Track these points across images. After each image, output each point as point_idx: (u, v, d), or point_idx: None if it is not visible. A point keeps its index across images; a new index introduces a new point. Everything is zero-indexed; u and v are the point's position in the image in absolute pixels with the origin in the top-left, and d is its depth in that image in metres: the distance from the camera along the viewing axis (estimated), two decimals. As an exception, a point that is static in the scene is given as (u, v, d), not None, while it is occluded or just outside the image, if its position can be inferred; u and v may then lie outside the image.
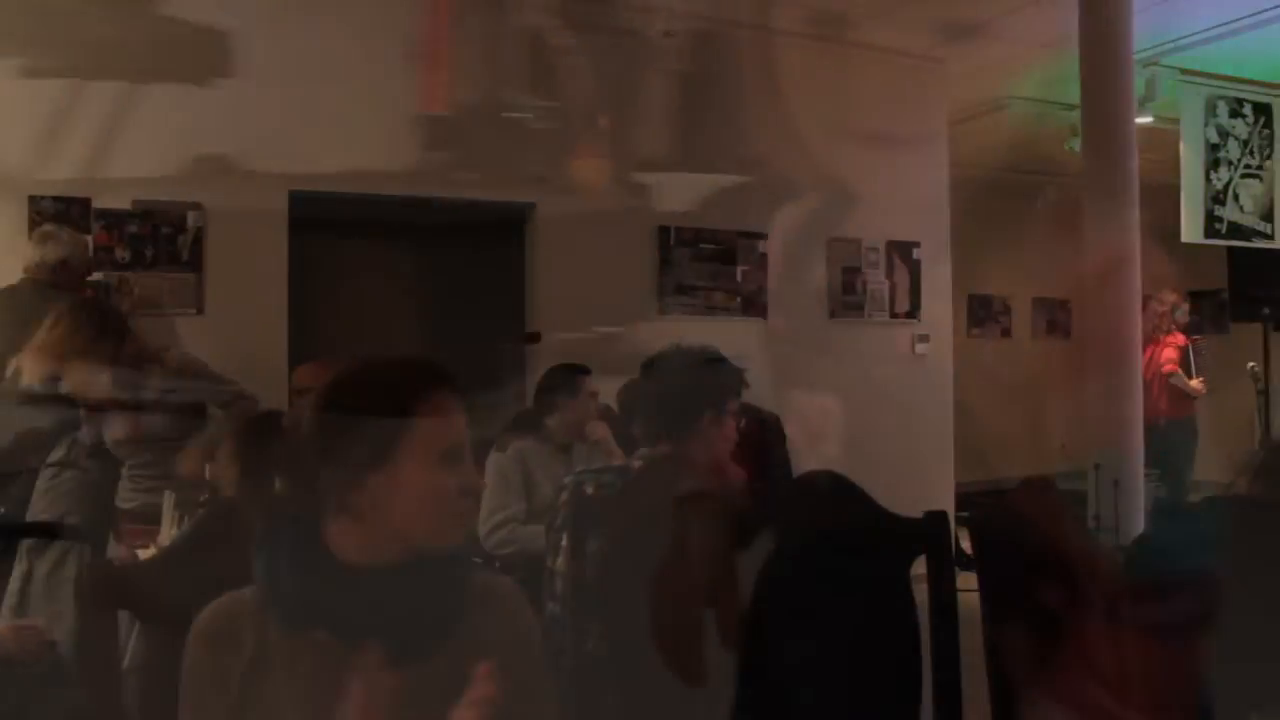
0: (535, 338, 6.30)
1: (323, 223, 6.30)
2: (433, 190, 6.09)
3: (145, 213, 5.39)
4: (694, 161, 6.78)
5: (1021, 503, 1.98)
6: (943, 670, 2.19)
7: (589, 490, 2.66)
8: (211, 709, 1.44)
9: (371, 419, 1.46)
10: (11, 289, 4.45)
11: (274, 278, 5.66)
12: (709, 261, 6.78)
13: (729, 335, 6.46)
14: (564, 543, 2.65)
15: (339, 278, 6.72)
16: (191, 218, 5.49)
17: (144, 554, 3.23)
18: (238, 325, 5.40)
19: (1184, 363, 7.93)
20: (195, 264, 5.48)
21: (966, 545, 2.16)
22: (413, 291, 6.91)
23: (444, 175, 6.06)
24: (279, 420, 2.81)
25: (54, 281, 4.42)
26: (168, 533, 3.31)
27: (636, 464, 2.75)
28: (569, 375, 4.40)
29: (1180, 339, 7.97)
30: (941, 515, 2.26)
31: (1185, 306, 8.07)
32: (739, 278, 6.86)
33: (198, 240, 5.49)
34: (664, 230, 6.65)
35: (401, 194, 6.03)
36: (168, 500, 3.43)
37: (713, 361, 2.83)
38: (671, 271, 6.66)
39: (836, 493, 2.19)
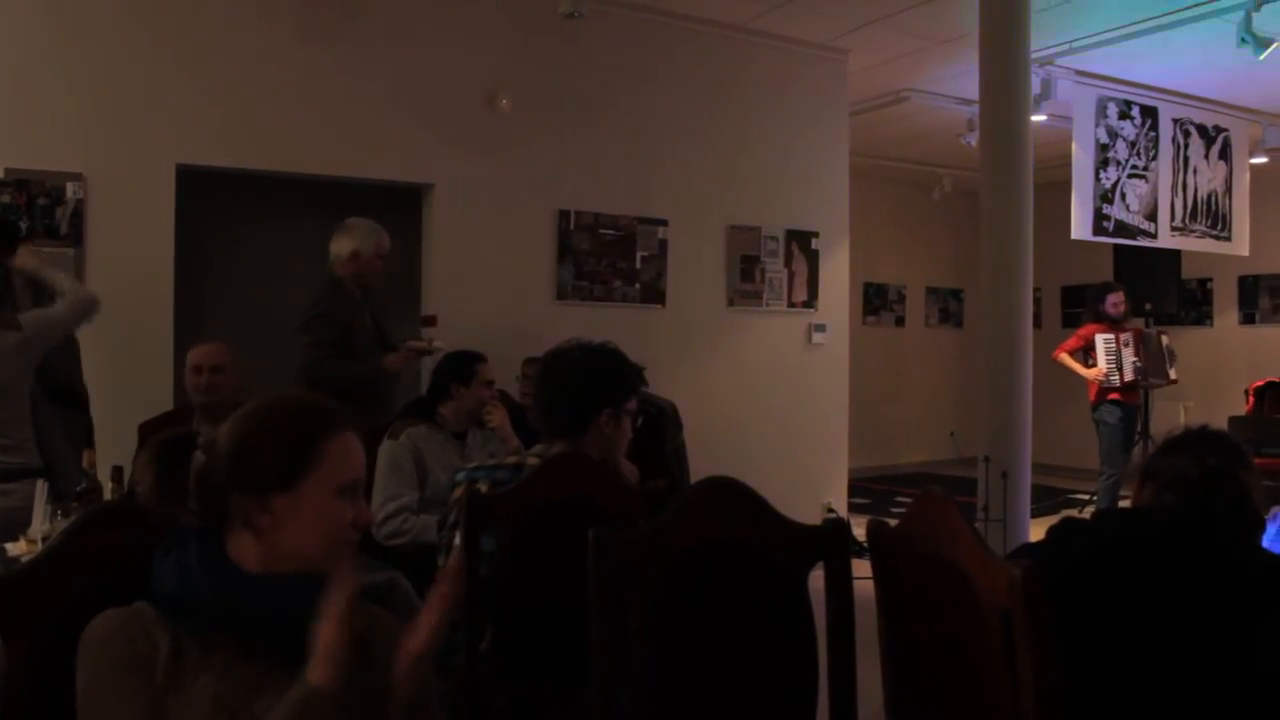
0: (431, 321, 6.20)
1: (212, 198, 6.13)
2: (327, 169, 5.93)
3: (19, 182, 5.15)
4: (594, 146, 6.72)
5: (918, 514, 1.98)
6: (838, 670, 2.19)
7: (482, 489, 2.61)
8: (128, 711, 1.48)
9: (283, 448, 1.60)
10: None
11: (160, 254, 5.46)
12: (608, 247, 6.74)
13: (627, 323, 6.45)
14: (456, 542, 2.60)
15: (228, 256, 6.54)
16: (71, 189, 5.25)
17: (12, 547, 3.08)
18: (121, 302, 5.21)
19: (1088, 350, 8.08)
20: (75, 237, 5.26)
21: (860, 533, 2.16)
22: (306, 273, 6.75)
23: (343, 153, 5.91)
24: (195, 438, 2.86)
25: None
26: (39, 525, 3.17)
27: (531, 460, 2.71)
28: (464, 362, 4.32)
29: (1091, 328, 8.12)
30: (839, 522, 2.26)
31: (1110, 298, 8.22)
32: (638, 264, 6.83)
33: (78, 213, 5.26)
34: (563, 214, 6.58)
35: (294, 171, 5.88)
36: (40, 490, 3.28)
37: (612, 359, 2.81)
38: (570, 256, 6.60)
39: (734, 501, 2.17)
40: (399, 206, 6.43)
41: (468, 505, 2.52)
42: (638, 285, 6.83)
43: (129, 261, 5.37)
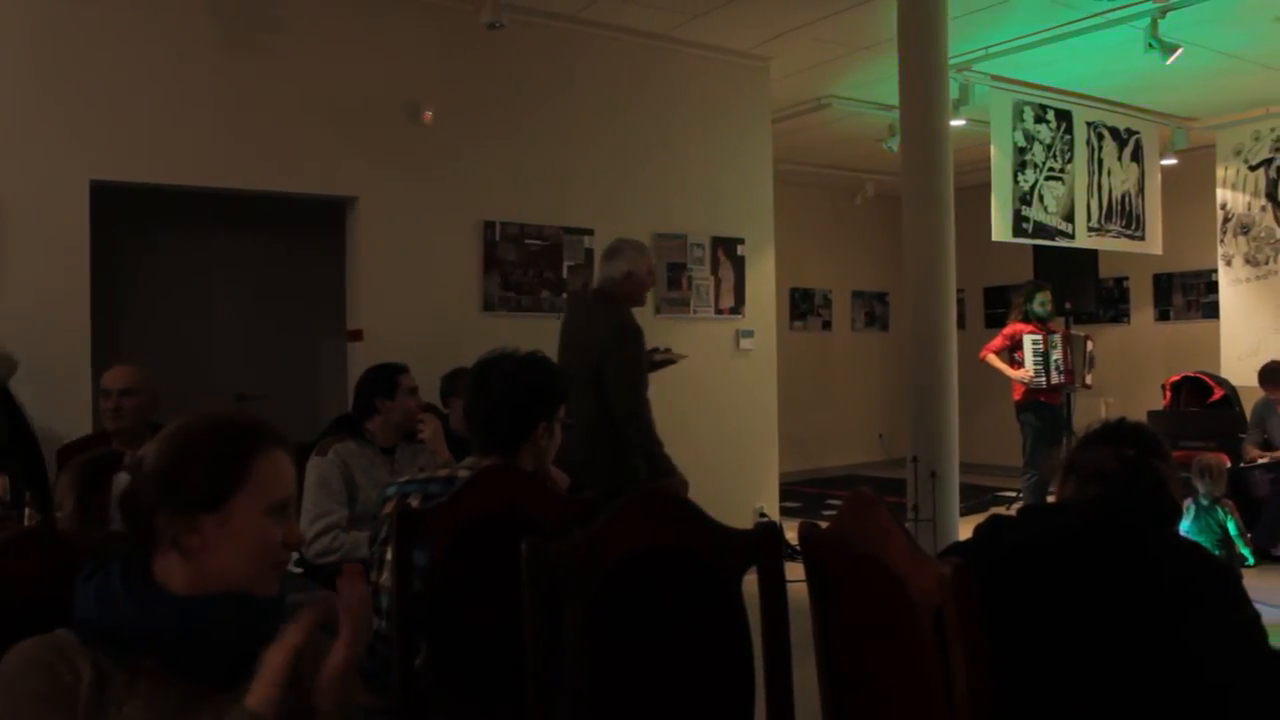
0: (357, 335, 6.14)
1: (129, 215, 6.02)
2: (248, 183, 5.85)
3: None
4: (519, 156, 6.70)
5: (849, 515, 1.99)
6: (774, 674, 2.19)
7: (414, 503, 2.58)
8: None
9: (211, 467, 1.57)
10: None
11: (75, 272, 5.34)
12: (535, 257, 6.72)
13: (556, 333, 6.42)
14: (388, 557, 2.56)
15: (148, 274, 6.42)
16: (-19, 207, 5.13)
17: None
18: (36, 323, 5.09)
19: (1013, 349, 8.19)
20: (-13, 257, 5.13)
21: (792, 536, 2.16)
22: (229, 289, 6.65)
23: (263, 167, 5.83)
24: (119, 458, 2.81)
25: None
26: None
27: (463, 473, 2.68)
28: (385, 374, 4.27)
29: (1018, 328, 8.22)
30: (771, 526, 2.26)
31: (1039, 298, 8.32)
32: (565, 274, 6.82)
33: (-10, 231, 5.13)
34: (489, 225, 6.55)
35: (214, 185, 5.78)
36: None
37: (544, 368, 2.79)
38: (496, 267, 6.56)
39: (666, 507, 2.17)
40: (322, 220, 6.37)
41: (399, 520, 2.49)
42: (565, 295, 6.81)
43: (43, 280, 5.25)
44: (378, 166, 6.19)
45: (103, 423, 4.31)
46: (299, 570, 3.97)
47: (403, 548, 2.49)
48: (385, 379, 4.22)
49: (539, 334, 5.80)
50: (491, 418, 2.72)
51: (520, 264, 6.65)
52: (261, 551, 1.61)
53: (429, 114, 6.29)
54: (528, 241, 6.69)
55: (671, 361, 5.13)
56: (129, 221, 6.07)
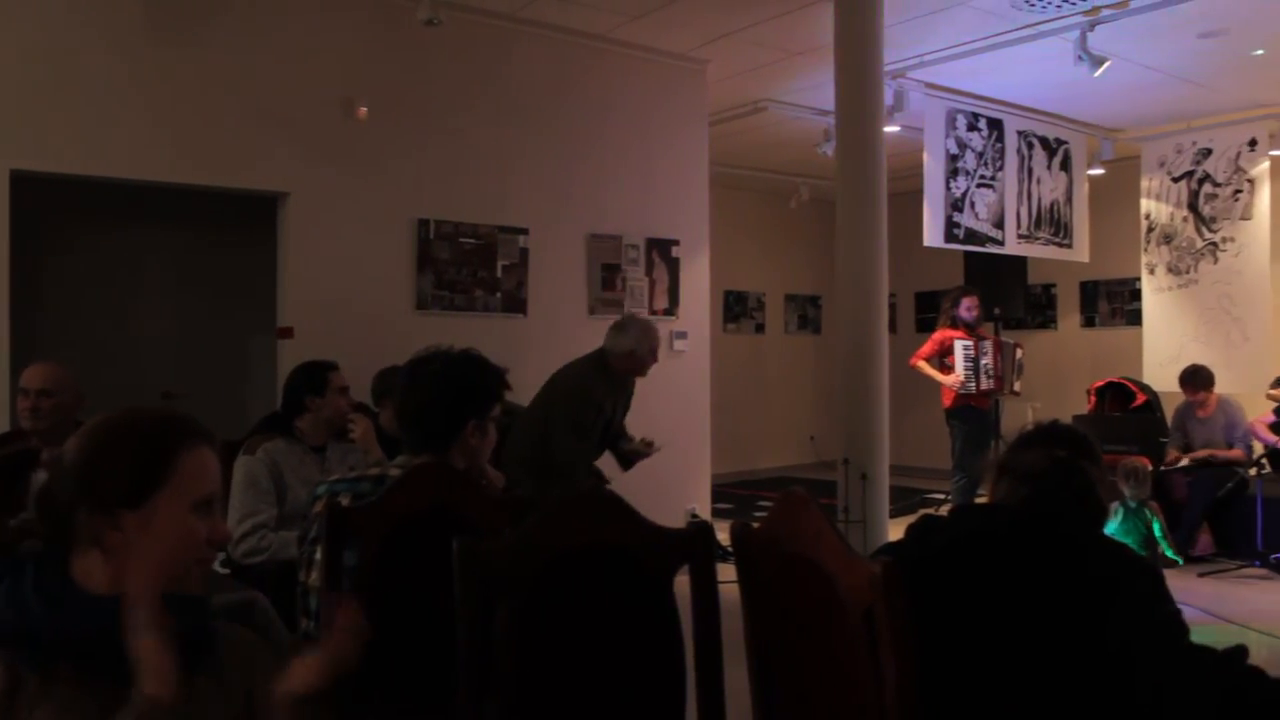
0: (287, 332, 6.05)
1: (52, 207, 5.89)
2: (176, 177, 5.75)
3: None
4: (454, 154, 6.65)
5: (781, 515, 2.00)
6: (705, 672, 2.19)
7: (344, 502, 2.54)
8: None
9: (133, 463, 1.53)
10: None
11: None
12: (469, 256, 6.67)
13: (489, 332, 6.40)
14: (317, 556, 2.53)
15: (70, 269, 6.28)
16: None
17: None
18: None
19: (943, 355, 8.26)
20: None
21: (724, 538, 2.17)
22: (156, 285, 6.53)
23: (191, 161, 5.73)
24: (36, 455, 2.76)
25: None
26: None
27: (394, 472, 2.64)
28: (315, 371, 4.21)
29: (948, 334, 8.28)
30: (703, 525, 2.27)
31: (965, 302, 8.38)
32: (500, 273, 6.79)
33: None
34: (423, 223, 6.50)
35: (140, 178, 5.67)
36: None
37: (476, 366, 2.76)
38: (430, 266, 6.51)
39: (598, 506, 2.16)
40: (253, 215, 6.27)
41: (328, 519, 2.46)
42: (499, 294, 6.78)
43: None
44: (310, 162, 6.12)
45: (19, 422, 4.20)
46: (225, 571, 3.91)
47: (332, 547, 2.46)
48: (315, 376, 4.17)
49: (472, 333, 5.78)
50: (422, 415, 2.70)
51: (454, 263, 6.61)
52: (187, 548, 1.56)
53: (363, 110, 6.23)
54: (462, 240, 6.65)
55: (645, 455, 5.47)
56: (51, 214, 5.93)
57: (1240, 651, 1.96)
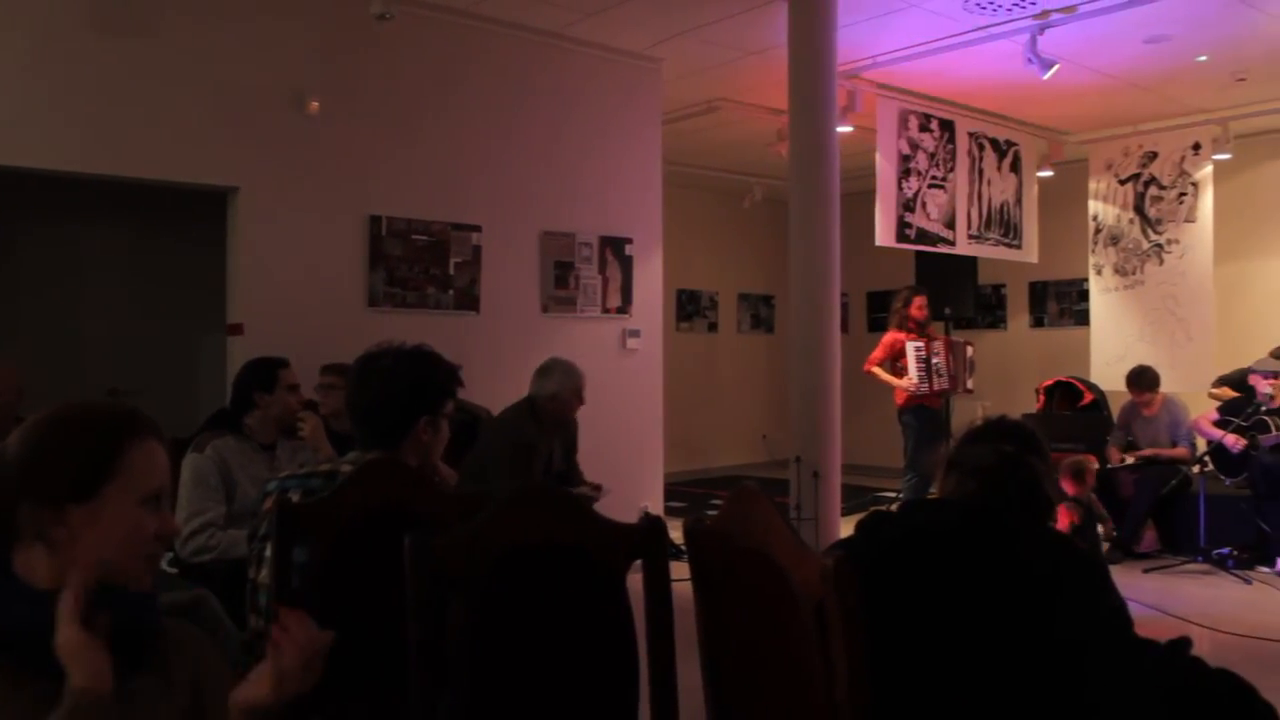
0: (237, 329, 5.99)
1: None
2: (122, 170, 5.66)
3: None
4: (406, 150, 6.61)
5: (734, 510, 2.01)
6: (658, 667, 2.20)
7: (294, 498, 2.52)
8: None
9: (81, 456, 1.52)
10: None
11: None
12: (421, 253, 6.63)
13: (441, 330, 6.37)
14: (267, 554, 2.50)
15: (14, 264, 6.19)
16: None
17: None
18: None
19: (895, 359, 8.30)
20: None
21: (677, 536, 2.18)
22: (103, 281, 6.45)
23: (138, 154, 5.65)
24: None
25: None
26: None
27: (345, 468, 2.62)
28: (265, 368, 4.17)
29: (898, 336, 8.33)
30: (656, 520, 2.27)
31: (916, 301, 8.42)
32: (452, 270, 6.75)
33: None
34: (375, 220, 6.45)
35: (85, 171, 5.58)
36: None
37: (428, 362, 2.74)
38: (382, 262, 6.46)
39: (551, 502, 2.16)
40: (202, 210, 6.20)
41: (279, 515, 2.43)
42: (451, 292, 6.75)
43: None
44: (260, 156, 6.05)
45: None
46: (173, 570, 3.87)
47: (282, 544, 2.43)
48: (264, 373, 4.14)
49: (425, 331, 5.73)
50: (372, 411, 2.67)
51: (406, 259, 6.57)
52: (134, 543, 1.54)
53: (315, 104, 6.17)
54: (415, 237, 6.61)
55: (594, 499, 5.52)
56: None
57: (1183, 643, 2.01)
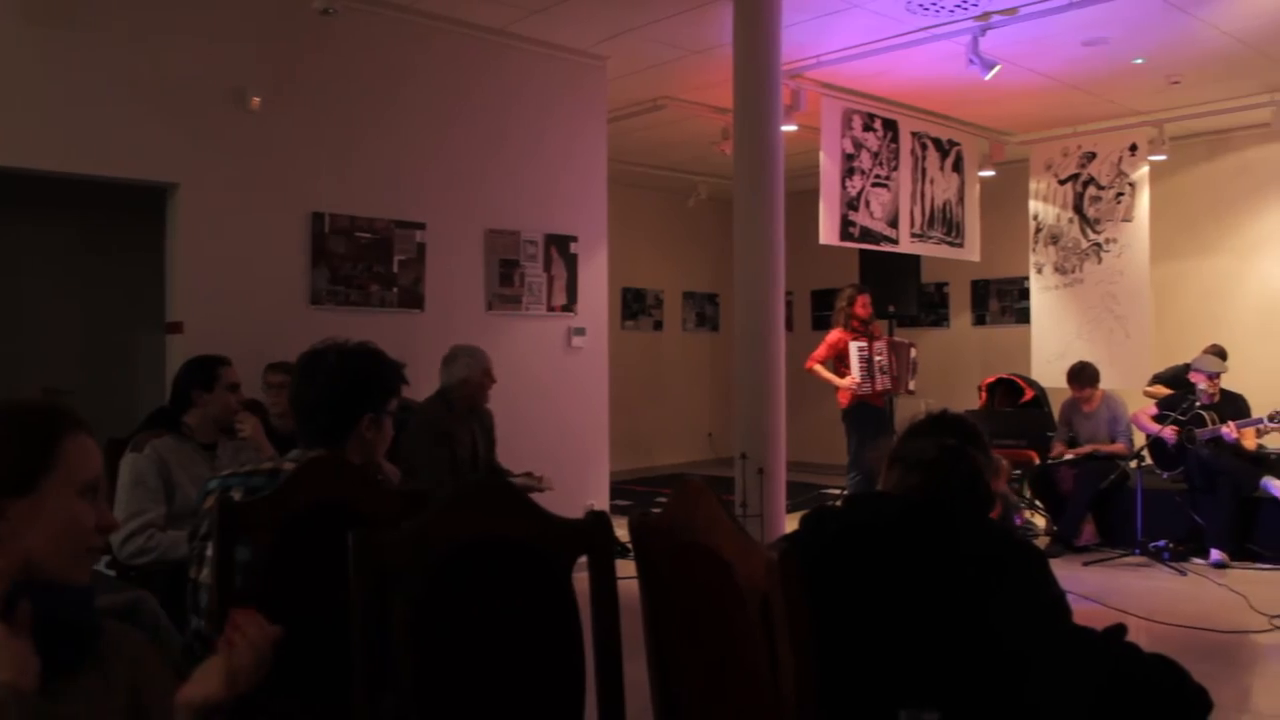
0: (177, 327, 5.90)
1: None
2: (58, 165, 5.55)
3: None
4: (350, 147, 6.56)
5: (678, 504, 2.01)
6: (604, 662, 2.19)
7: (236, 496, 2.49)
8: None
9: (19, 450, 1.52)
10: None
11: None
12: (365, 251, 6.57)
13: (386, 327, 6.32)
14: (208, 553, 2.47)
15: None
16: None
17: None
18: None
19: (839, 358, 8.33)
20: None
21: (623, 534, 2.18)
22: (38, 278, 6.33)
23: (74, 149, 5.55)
24: None
25: None
26: None
27: (288, 466, 2.60)
28: (205, 366, 4.12)
29: (842, 336, 8.35)
30: (600, 515, 2.27)
31: (860, 299, 8.43)
32: (396, 268, 6.70)
33: None
34: (317, 217, 6.39)
35: (19, 166, 5.45)
36: None
37: (372, 359, 2.72)
38: (325, 260, 6.40)
39: (495, 497, 2.15)
40: (141, 206, 6.11)
41: (220, 514, 2.40)
42: (395, 289, 6.70)
43: None
44: (201, 152, 5.96)
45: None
46: (111, 572, 3.81)
47: (224, 543, 2.41)
48: (204, 371, 4.09)
49: (368, 329, 5.68)
50: (315, 409, 2.65)
51: (350, 257, 6.51)
52: (76, 535, 1.55)
53: (256, 100, 6.09)
54: (358, 234, 6.55)
55: (536, 489, 5.67)
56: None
57: (1119, 630, 2.04)
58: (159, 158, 5.83)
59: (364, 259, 6.56)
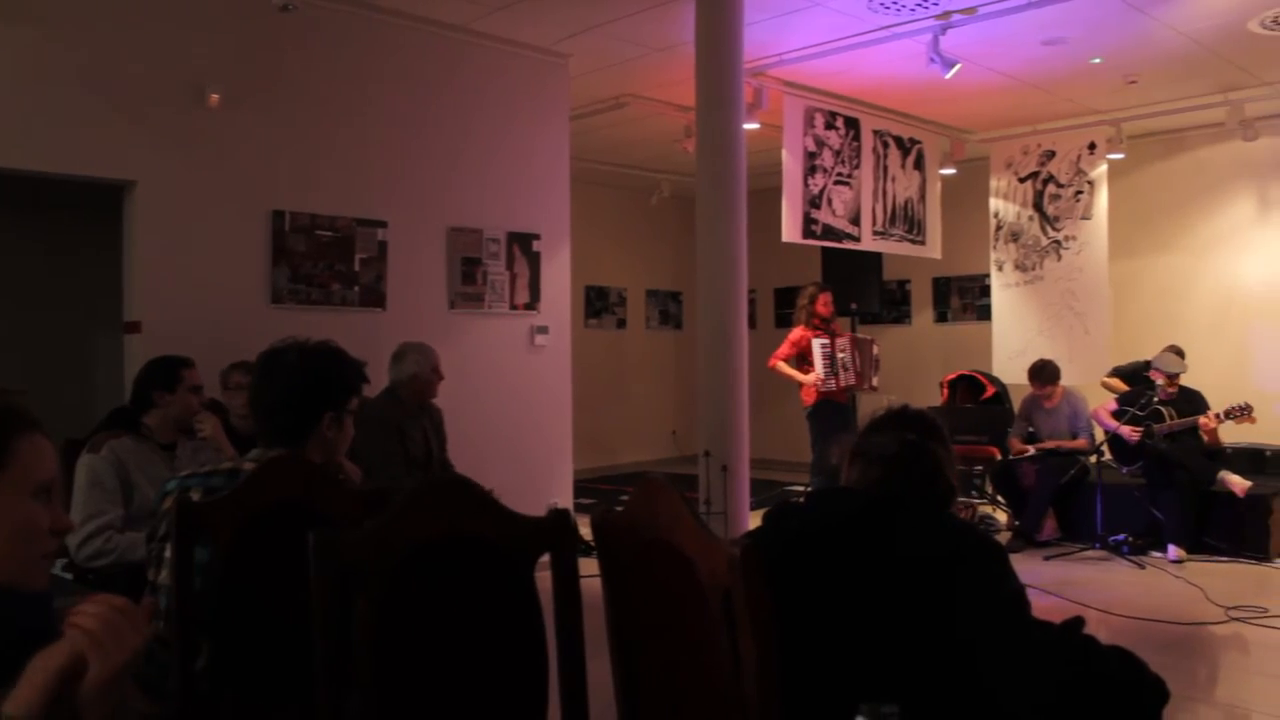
0: (135, 327, 5.84)
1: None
2: (10, 161, 5.46)
3: None
4: (311, 145, 6.51)
5: (641, 501, 2.01)
6: (567, 661, 2.19)
7: (195, 497, 2.46)
8: None
9: None
10: None
11: None
12: (326, 249, 6.53)
13: (347, 326, 6.27)
14: (167, 554, 2.44)
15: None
16: None
17: None
18: None
19: (802, 356, 8.35)
20: None
21: (586, 532, 2.18)
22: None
23: (28, 145, 5.47)
24: None
25: None
26: None
27: (248, 466, 2.57)
28: (168, 367, 4.08)
29: (804, 334, 8.37)
30: (563, 513, 2.26)
31: (821, 298, 8.44)
32: (358, 266, 6.66)
33: None
34: (278, 215, 6.33)
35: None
36: None
37: (333, 358, 2.70)
38: (286, 259, 6.34)
39: (458, 495, 2.14)
40: (97, 204, 6.03)
41: (179, 515, 2.38)
42: (357, 288, 6.66)
43: None
44: (159, 150, 5.90)
45: None
46: (68, 575, 3.76)
47: (183, 544, 2.38)
48: (167, 371, 4.05)
49: (330, 328, 5.66)
50: (276, 408, 2.62)
51: (310, 255, 6.46)
52: (30, 537, 1.52)
53: (215, 96, 6.03)
54: (319, 232, 6.50)
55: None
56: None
57: (1076, 623, 2.06)
58: (116, 155, 5.76)
59: (325, 257, 6.51)
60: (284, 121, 6.38)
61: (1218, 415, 7.44)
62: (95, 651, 1.45)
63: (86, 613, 1.47)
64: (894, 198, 9.43)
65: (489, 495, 2.15)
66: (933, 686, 1.90)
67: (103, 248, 6.05)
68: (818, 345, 8.26)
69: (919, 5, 6.86)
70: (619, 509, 2.15)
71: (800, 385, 8.37)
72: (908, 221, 9.61)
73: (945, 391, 9.60)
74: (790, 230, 8.37)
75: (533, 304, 7.66)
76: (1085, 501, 7.66)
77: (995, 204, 10.18)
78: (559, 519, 2.23)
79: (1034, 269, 9.91)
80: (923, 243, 9.86)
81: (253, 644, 2.51)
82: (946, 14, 6.95)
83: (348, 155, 6.66)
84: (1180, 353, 8.28)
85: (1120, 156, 9.67)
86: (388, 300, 6.81)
